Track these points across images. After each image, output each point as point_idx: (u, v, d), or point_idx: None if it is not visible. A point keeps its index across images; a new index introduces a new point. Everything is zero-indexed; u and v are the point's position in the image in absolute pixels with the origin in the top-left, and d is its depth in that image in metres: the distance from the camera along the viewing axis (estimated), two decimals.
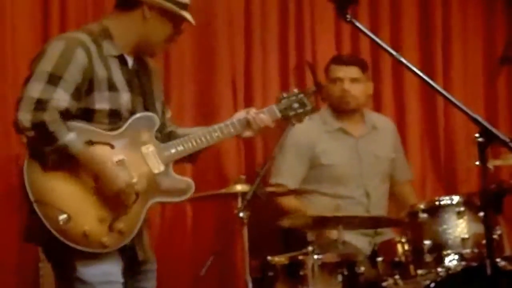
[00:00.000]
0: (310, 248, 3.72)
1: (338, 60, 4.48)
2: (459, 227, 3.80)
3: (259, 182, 3.50)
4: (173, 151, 3.04)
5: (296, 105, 3.28)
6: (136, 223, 2.96)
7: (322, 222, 3.94)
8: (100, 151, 2.93)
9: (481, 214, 3.59)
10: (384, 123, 4.60)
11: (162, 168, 3.01)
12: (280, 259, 3.83)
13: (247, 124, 3.18)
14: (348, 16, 2.35)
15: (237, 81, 4.61)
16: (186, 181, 3.10)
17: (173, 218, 4.44)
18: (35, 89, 2.88)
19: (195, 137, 3.08)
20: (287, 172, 4.34)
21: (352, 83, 4.37)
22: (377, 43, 2.39)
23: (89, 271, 2.92)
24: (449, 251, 3.77)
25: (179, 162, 3.19)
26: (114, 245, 2.93)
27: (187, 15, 3.08)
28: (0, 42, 4.07)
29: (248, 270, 3.65)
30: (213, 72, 4.59)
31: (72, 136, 2.88)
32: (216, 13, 4.58)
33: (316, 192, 4.33)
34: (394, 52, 2.38)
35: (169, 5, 3.03)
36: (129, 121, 2.99)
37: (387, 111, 4.94)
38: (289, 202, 4.31)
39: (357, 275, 3.78)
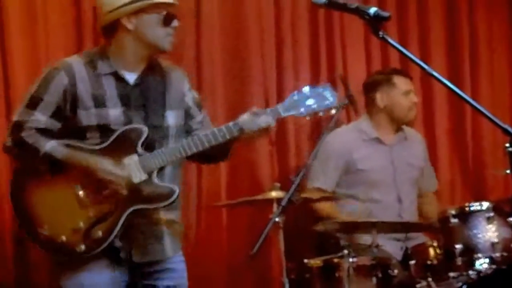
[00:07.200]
0: (345, 251, 3.86)
1: (404, 73, 4.59)
2: (489, 232, 3.94)
3: (294, 188, 3.60)
4: (156, 160, 3.08)
5: (310, 101, 3.17)
6: (113, 230, 3.05)
7: (356, 227, 4.09)
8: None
9: (511, 219, 3.85)
10: (414, 135, 4.73)
11: (143, 177, 3.07)
12: (316, 262, 3.97)
13: (242, 127, 3.13)
14: (381, 32, 2.40)
15: (269, 95, 4.70)
16: (168, 187, 3.11)
17: (210, 223, 4.58)
18: (17, 113, 3.13)
19: (183, 144, 3.11)
20: (324, 177, 4.47)
21: (414, 95, 4.55)
22: (409, 57, 2.46)
23: (70, 284, 3.10)
24: (479, 255, 3.90)
25: (197, 162, 3.32)
26: (89, 251, 3.05)
27: None
28: (35, 51, 4.19)
29: (284, 272, 3.76)
30: (245, 87, 4.68)
31: (52, 143, 3.07)
32: (247, 28, 4.69)
33: (351, 197, 4.45)
34: (425, 66, 2.45)
35: (139, 3, 3.09)
36: (115, 134, 3.08)
37: (416, 120, 4.99)
38: (323, 207, 4.44)
39: (391, 278, 3.90)
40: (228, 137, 3.12)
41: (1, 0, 4.08)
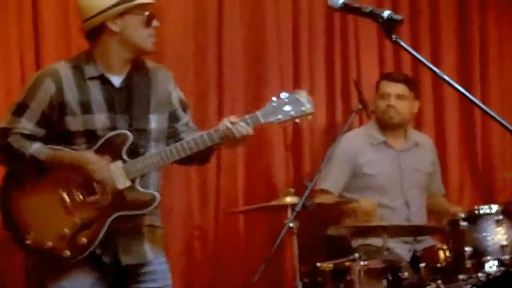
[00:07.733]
0: (356, 255, 3.91)
1: (388, 76, 4.69)
2: (498, 235, 3.97)
3: (308, 194, 3.68)
4: (139, 166, 3.10)
5: (288, 107, 3.17)
6: (98, 235, 3.08)
7: (367, 231, 4.15)
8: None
9: None
10: (425, 141, 4.79)
11: (127, 183, 3.09)
12: (328, 265, 4.02)
13: (223, 134, 3.13)
14: (394, 36, 2.43)
15: None
16: (150, 193, 3.15)
17: (227, 227, 4.64)
18: (4, 120, 3.17)
19: (166, 150, 3.13)
20: (330, 179, 4.53)
21: (398, 99, 4.58)
22: (420, 61, 2.50)
23: None
24: (488, 257, 3.94)
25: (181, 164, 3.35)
26: (74, 257, 3.09)
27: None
28: (68, 52, 4.20)
29: (298, 275, 3.82)
30: (264, 90, 4.74)
31: (36, 146, 3.11)
32: (265, 33, 4.80)
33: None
34: (437, 70, 2.48)
35: (124, 5, 3.12)
36: (101, 140, 3.11)
37: (427, 124, 5.11)
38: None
39: (401, 280, 3.95)
40: (209, 144, 3.15)
41: (37, 3, 4.22)
